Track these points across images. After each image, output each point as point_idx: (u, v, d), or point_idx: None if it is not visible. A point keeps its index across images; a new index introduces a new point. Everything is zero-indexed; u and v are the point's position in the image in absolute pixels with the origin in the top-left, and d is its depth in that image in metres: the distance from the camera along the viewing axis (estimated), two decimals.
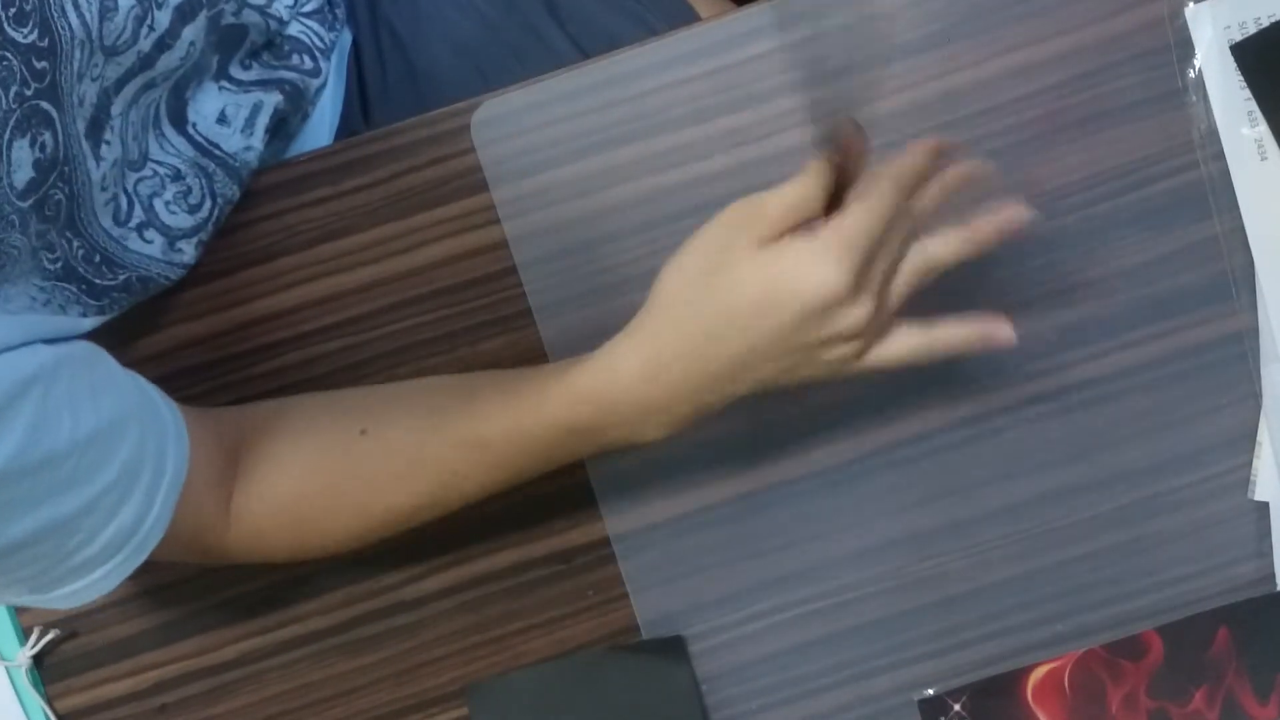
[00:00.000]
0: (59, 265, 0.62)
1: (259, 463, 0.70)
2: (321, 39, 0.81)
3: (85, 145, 0.60)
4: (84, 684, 0.79)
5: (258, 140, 0.74)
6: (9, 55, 0.53)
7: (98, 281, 0.65)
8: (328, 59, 0.82)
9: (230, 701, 0.80)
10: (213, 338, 0.76)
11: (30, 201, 0.56)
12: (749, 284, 0.60)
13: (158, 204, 0.68)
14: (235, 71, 0.74)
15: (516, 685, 0.79)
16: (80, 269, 0.63)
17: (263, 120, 0.74)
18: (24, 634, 0.79)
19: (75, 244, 0.62)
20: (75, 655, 0.79)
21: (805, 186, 0.61)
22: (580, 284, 0.75)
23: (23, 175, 0.55)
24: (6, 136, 0.53)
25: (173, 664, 0.79)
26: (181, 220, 0.70)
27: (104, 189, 0.63)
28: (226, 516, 0.69)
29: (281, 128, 0.78)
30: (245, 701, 0.80)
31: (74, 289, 0.64)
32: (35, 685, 0.79)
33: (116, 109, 0.63)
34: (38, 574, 0.62)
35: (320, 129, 0.83)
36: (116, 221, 0.65)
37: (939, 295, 0.75)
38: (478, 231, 0.75)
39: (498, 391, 0.68)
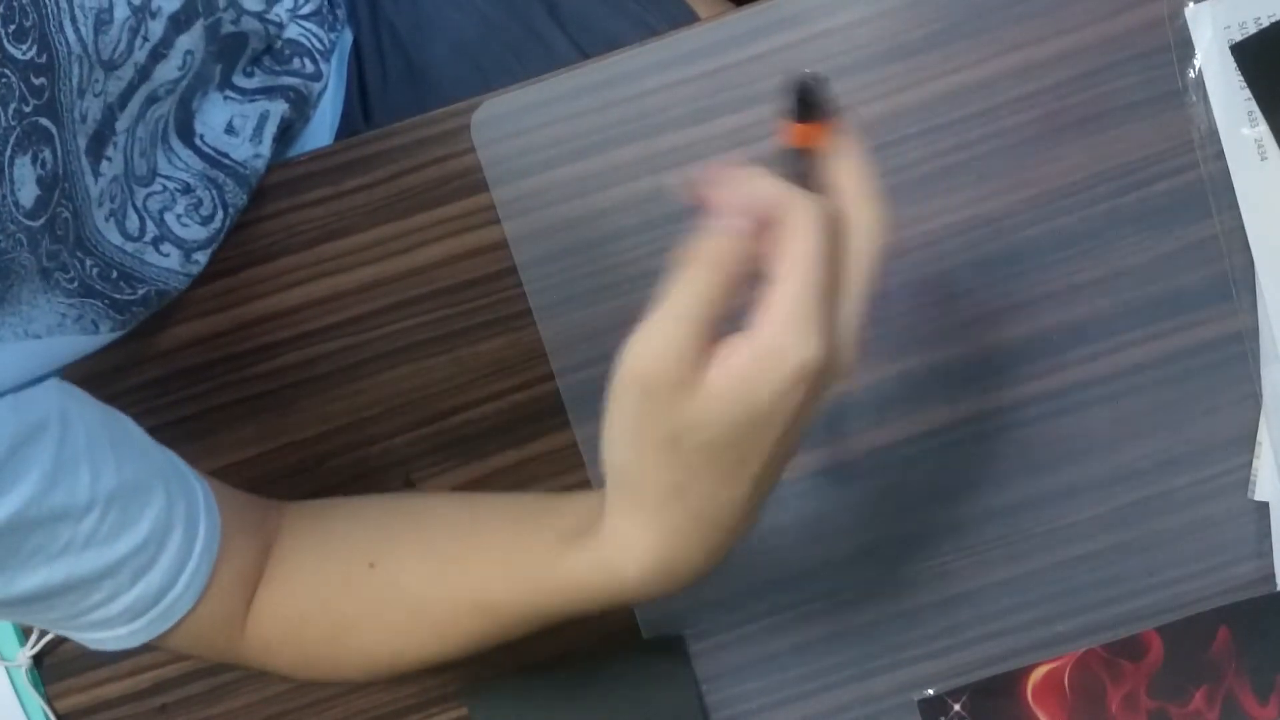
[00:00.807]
0: (75, 284, 0.61)
1: (278, 573, 0.68)
2: (321, 41, 0.81)
3: (85, 161, 0.60)
4: (84, 684, 0.79)
5: (266, 149, 0.74)
6: (8, 72, 0.52)
7: (118, 296, 0.65)
8: (328, 61, 0.82)
9: (230, 701, 0.80)
10: (213, 338, 0.76)
11: (42, 220, 0.56)
12: (713, 438, 0.50)
13: (169, 218, 0.68)
14: (239, 80, 0.74)
15: (516, 685, 0.79)
16: (98, 286, 0.63)
17: (270, 129, 0.74)
18: (24, 634, 0.79)
19: (88, 263, 0.62)
20: (75, 655, 0.79)
21: (673, 323, 0.49)
22: (580, 284, 0.75)
23: (28, 193, 0.55)
24: (8, 154, 0.53)
25: (173, 664, 0.79)
26: (195, 232, 0.70)
27: (101, 204, 0.62)
28: (245, 619, 0.67)
29: (285, 132, 0.78)
30: (245, 701, 0.80)
31: (100, 304, 0.63)
32: (35, 685, 0.79)
33: (122, 125, 0.63)
34: (55, 621, 0.62)
35: (321, 129, 0.83)
36: (128, 237, 0.65)
37: (938, 298, 0.75)
38: (478, 231, 0.75)
39: (503, 556, 0.61)
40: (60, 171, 0.57)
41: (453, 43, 0.87)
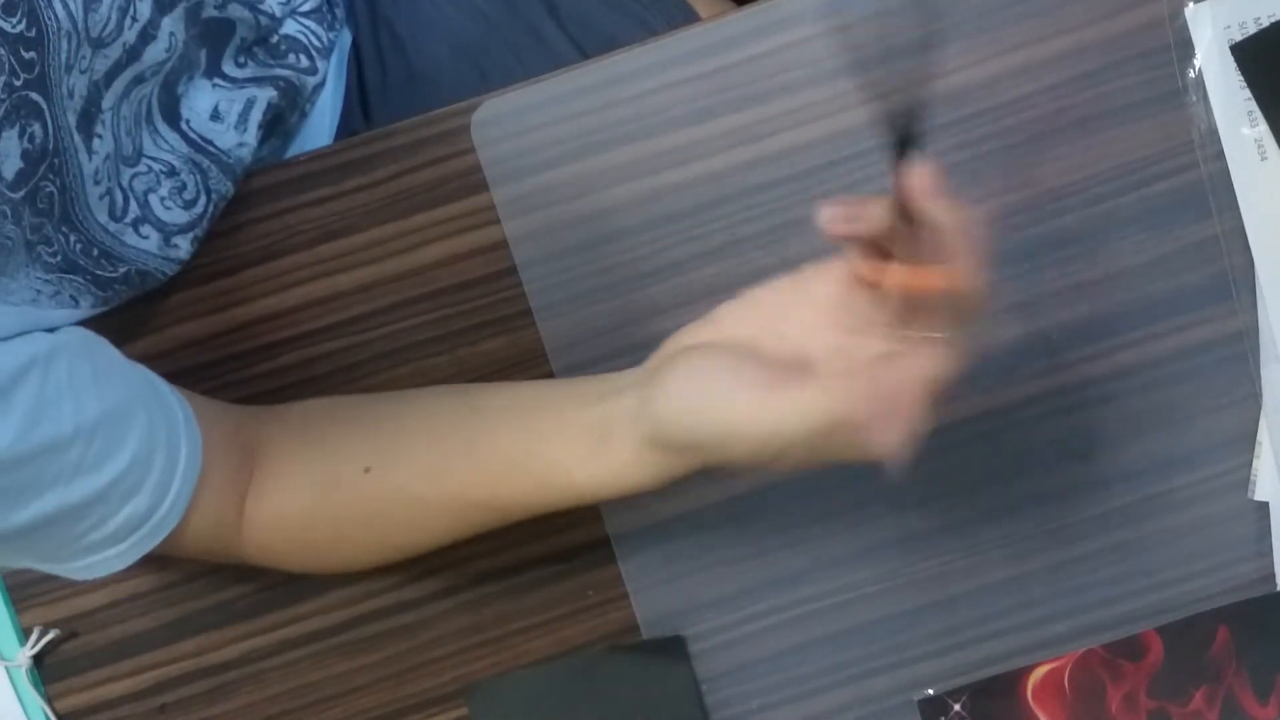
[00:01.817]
0: (58, 259, 0.62)
1: (269, 481, 0.69)
2: (320, 39, 0.81)
3: (77, 138, 0.60)
4: (84, 684, 0.79)
5: (251, 136, 0.74)
6: None
7: (100, 274, 0.65)
8: (326, 59, 0.82)
9: (230, 701, 0.80)
10: (213, 338, 0.76)
11: (22, 193, 0.57)
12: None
13: (153, 200, 0.69)
14: (229, 69, 0.74)
15: (516, 685, 0.79)
16: (81, 262, 0.64)
17: (255, 116, 0.74)
18: (24, 634, 0.79)
19: (72, 238, 0.63)
20: (75, 655, 0.79)
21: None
22: (580, 284, 0.75)
23: (11, 166, 0.55)
24: None
25: (173, 664, 0.79)
26: (177, 216, 0.70)
27: (97, 183, 0.63)
28: (240, 521, 0.69)
29: (278, 125, 0.78)
30: (245, 701, 0.80)
31: (80, 279, 0.64)
32: (35, 685, 0.79)
33: (107, 103, 0.63)
34: (48, 551, 0.63)
35: (320, 129, 0.83)
36: (113, 217, 0.65)
37: None
38: (478, 231, 0.75)
39: (516, 455, 0.66)
40: (50, 146, 0.58)
41: (452, 43, 0.87)
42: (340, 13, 0.85)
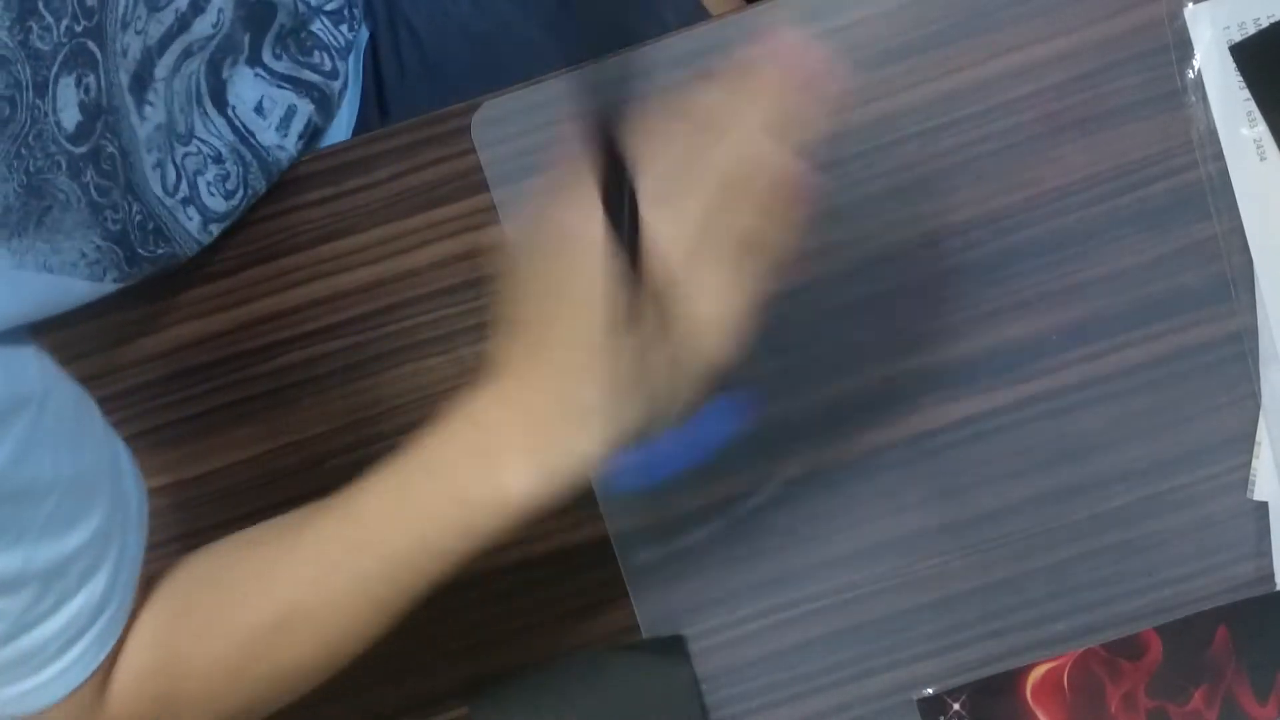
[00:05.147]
0: (119, 227, 0.62)
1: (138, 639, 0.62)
2: (339, 39, 0.81)
3: (129, 99, 0.61)
4: None
5: (291, 144, 0.75)
6: None
7: (140, 251, 0.65)
8: (345, 59, 0.82)
9: None
10: (213, 338, 0.76)
11: (84, 148, 0.57)
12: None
13: (200, 183, 0.69)
14: (268, 59, 0.75)
15: (516, 685, 0.79)
16: (133, 235, 0.64)
17: (296, 126, 0.75)
18: None
19: (135, 208, 0.63)
20: None
21: None
22: None
23: (70, 116, 0.56)
24: (55, 70, 0.54)
25: None
26: (218, 204, 0.71)
27: (149, 151, 0.64)
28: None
29: (315, 139, 0.79)
30: None
31: (121, 253, 0.63)
32: None
33: (160, 72, 0.64)
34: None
35: (339, 126, 0.83)
36: (166, 191, 0.66)
37: (938, 298, 0.75)
38: (478, 231, 0.75)
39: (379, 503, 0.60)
40: (104, 102, 0.58)
41: (469, 39, 0.87)
42: (359, 11, 0.85)
